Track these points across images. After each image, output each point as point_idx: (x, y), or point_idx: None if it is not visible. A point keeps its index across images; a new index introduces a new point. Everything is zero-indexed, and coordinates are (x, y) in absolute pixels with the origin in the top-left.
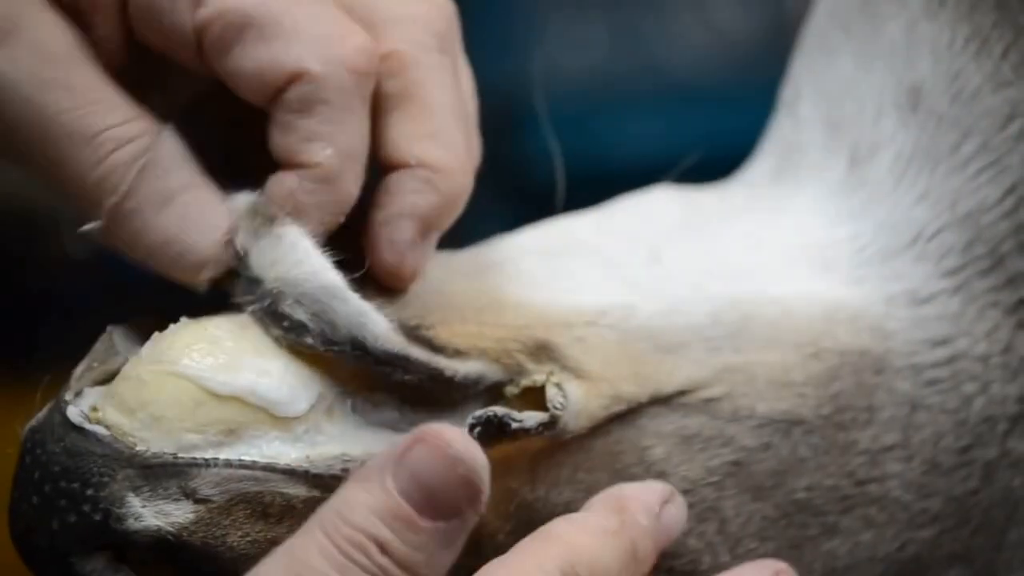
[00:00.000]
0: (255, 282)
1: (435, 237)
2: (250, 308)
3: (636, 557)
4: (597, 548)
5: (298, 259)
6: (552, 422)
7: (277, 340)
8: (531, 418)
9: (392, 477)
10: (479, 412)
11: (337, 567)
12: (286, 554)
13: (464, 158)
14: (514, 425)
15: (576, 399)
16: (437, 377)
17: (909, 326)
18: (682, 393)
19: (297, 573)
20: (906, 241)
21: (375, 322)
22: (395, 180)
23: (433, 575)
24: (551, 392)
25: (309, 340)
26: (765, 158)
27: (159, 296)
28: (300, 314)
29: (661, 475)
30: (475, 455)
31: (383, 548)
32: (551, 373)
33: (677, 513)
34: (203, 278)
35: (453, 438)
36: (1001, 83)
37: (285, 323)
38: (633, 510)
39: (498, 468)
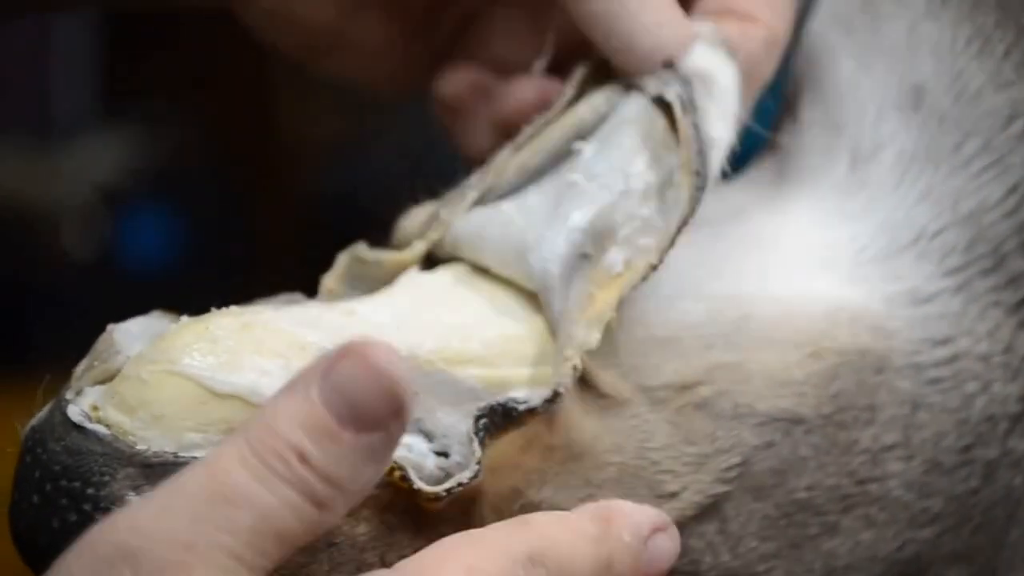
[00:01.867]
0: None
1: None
2: (673, 95)
3: (611, 570)
4: (571, 547)
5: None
6: (555, 397)
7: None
8: (536, 396)
9: (317, 388)
10: (483, 403)
11: (257, 477)
12: (209, 462)
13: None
14: (520, 407)
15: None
16: None
17: (910, 325)
18: (670, 389)
19: (217, 481)
20: (907, 241)
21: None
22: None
23: (356, 489)
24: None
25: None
26: (766, 159)
27: (159, 296)
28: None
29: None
30: (399, 369)
31: (303, 458)
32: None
33: (668, 545)
34: (652, 64)
35: (379, 352)
36: (1003, 83)
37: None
38: (619, 524)
39: (505, 468)
